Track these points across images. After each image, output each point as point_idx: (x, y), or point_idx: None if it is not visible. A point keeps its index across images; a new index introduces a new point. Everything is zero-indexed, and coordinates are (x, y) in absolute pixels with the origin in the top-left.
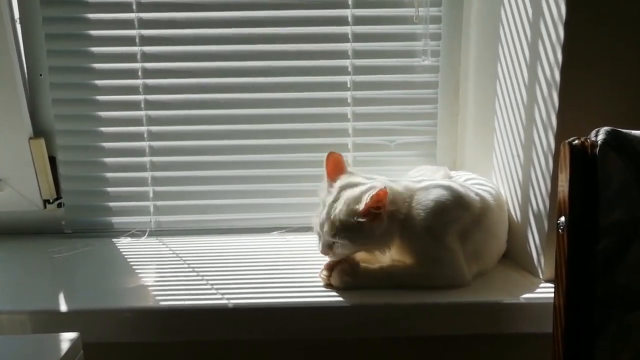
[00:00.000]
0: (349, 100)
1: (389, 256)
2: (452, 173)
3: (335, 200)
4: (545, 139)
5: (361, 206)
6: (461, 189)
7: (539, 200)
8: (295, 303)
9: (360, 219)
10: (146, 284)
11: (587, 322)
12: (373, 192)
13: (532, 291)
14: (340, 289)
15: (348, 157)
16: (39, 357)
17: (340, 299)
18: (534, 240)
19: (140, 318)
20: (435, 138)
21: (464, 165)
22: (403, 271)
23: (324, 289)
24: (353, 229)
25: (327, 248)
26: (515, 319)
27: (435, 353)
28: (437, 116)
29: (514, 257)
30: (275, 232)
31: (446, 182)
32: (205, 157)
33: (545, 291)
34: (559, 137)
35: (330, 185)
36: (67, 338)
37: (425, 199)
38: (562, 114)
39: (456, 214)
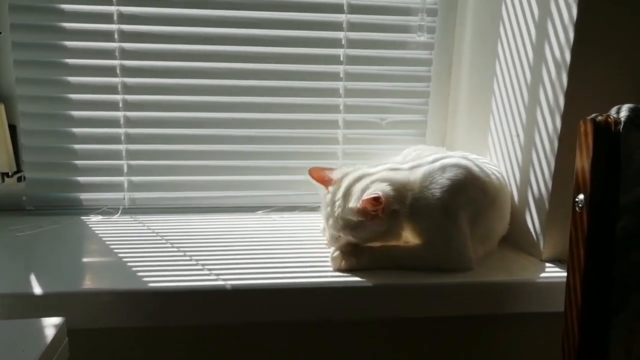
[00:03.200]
0: (341, 75)
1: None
2: (450, 153)
3: (341, 196)
4: (550, 120)
5: (358, 205)
6: (478, 170)
7: (541, 181)
8: (297, 284)
9: (360, 218)
10: (128, 264)
11: (603, 302)
12: (366, 196)
13: (533, 271)
14: (344, 270)
15: (338, 134)
16: (21, 344)
17: (340, 279)
18: (532, 221)
19: (125, 301)
20: (427, 117)
21: (454, 145)
22: (409, 252)
23: (320, 269)
24: (355, 227)
25: (334, 241)
26: (520, 299)
27: (438, 334)
28: (430, 95)
29: (512, 238)
30: (260, 212)
31: (462, 161)
32: (186, 130)
33: (547, 271)
34: (567, 118)
35: (327, 189)
36: (50, 323)
37: (441, 177)
38: (570, 94)
39: (472, 195)
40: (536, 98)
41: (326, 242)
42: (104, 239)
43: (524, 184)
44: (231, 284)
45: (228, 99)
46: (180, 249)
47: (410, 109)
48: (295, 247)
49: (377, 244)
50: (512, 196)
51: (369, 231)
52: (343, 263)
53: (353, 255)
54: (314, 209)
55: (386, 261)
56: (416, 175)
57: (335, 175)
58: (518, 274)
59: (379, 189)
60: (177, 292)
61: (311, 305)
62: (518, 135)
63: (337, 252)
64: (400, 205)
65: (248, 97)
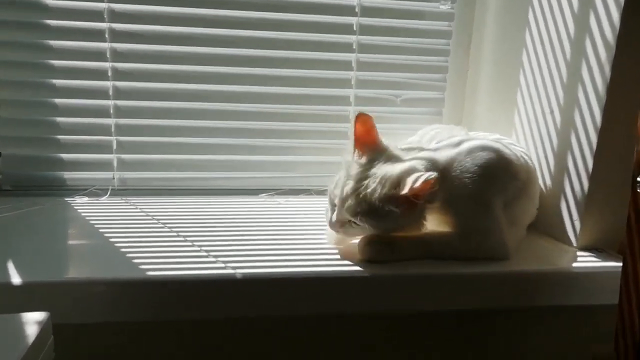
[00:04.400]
0: (354, 47)
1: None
2: (472, 134)
3: (366, 176)
4: (593, 92)
5: (402, 191)
6: (509, 152)
7: (579, 161)
8: (315, 273)
9: (394, 208)
10: (122, 249)
11: None
12: (421, 177)
13: (572, 260)
14: (366, 261)
15: (349, 111)
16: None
17: (360, 268)
18: (567, 206)
19: (120, 292)
20: (444, 94)
21: (474, 125)
22: (443, 242)
23: (334, 258)
24: (381, 215)
25: (339, 225)
26: (560, 289)
27: (472, 328)
28: (448, 70)
29: (542, 224)
30: (263, 195)
31: (492, 144)
32: (182, 103)
33: (587, 260)
34: (614, 88)
35: (360, 155)
36: (33, 319)
37: (472, 164)
38: (618, 65)
39: (505, 180)
40: (576, 70)
41: (326, 219)
42: (91, 222)
43: (559, 164)
44: (242, 273)
45: (229, 70)
46: (180, 233)
47: (426, 85)
48: (303, 234)
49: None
50: (543, 179)
51: (392, 222)
52: (375, 253)
53: (386, 244)
54: (321, 192)
55: (420, 251)
56: (442, 158)
57: (381, 144)
58: (555, 263)
59: (432, 175)
60: (183, 281)
61: (328, 297)
62: (552, 112)
63: (366, 241)
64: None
65: (251, 68)
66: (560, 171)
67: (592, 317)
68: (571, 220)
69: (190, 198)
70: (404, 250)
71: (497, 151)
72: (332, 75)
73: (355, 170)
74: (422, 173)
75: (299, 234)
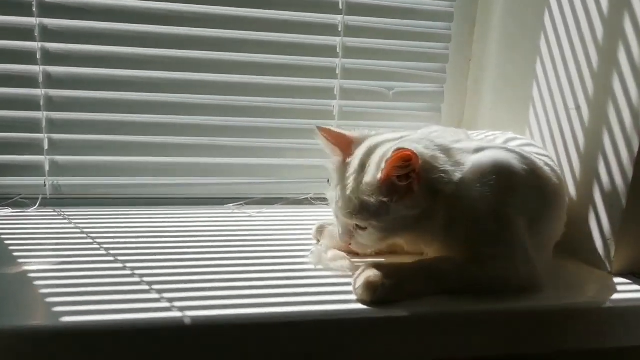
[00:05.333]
0: (339, 29)
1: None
2: (475, 134)
3: (356, 167)
4: (633, 82)
5: (378, 175)
6: (534, 159)
7: (615, 169)
8: (296, 315)
9: (382, 198)
10: (37, 283)
11: None
12: (391, 154)
13: (609, 290)
14: (368, 303)
15: (333, 106)
16: None
17: (360, 307)
18: (599, 223)
19: (29, 345)
20: (443, 87)
21: (477, 123)
22: (456, 270)
23: (328, 291)
24: (376, 210)
25: (347, 235)
26: (598, 328)
27: None
28: (449, 59)
29: (567, 245)
30: (231, 205)
31: (511, 147)
32: (129, 94)
33: (629, 289)
34: None
35: (339, 159)
36: None
37: (487, 170)
38: None
39: (529, 192)
40: (611, 54)
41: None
42: (7, 242)
43: (588, 171)
44: (193, 317)
45: (187, 54)
46: (118, 258)
47: (423, 77)
48: (282, 257)
49: (407, 260)
50: (567, 191)
51: (393, 219)
52: (375, 292)
53: (388, 280)
54: (299, 202)
55: (432, 285)
56: (454, 157)
57: (355, 137)
58: (591, 295)
59: (409, 147)
60: (107, 331)
61: (317, 346)
62: (579, 108)
63: (364, 278)
64: (445, 177)
65: (215, 52)
66: (589, 179)
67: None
68: (603, 240)
69: (137, 209)
70: (411, 285)
71: (518, 156)
72: (313, 62)
73: (340, 172)
74: (397, 150)
75: (275, 256)
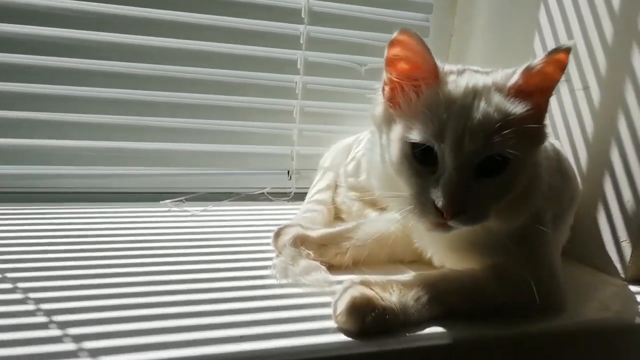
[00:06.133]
0: None
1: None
2: None
3: (460, 92)
4: None
5: (534, 65)
6: (559, 149)
7: (633, 158)
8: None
9: (526, 104)
10: None
11: None
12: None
13: (634, 302)
14: (353, 333)
15: (295, 82)
16: None
17: (347, 340)
18: (611, 221)
19: None
20: None
21: None
22: (468, 286)
23: (297, 316)
24: (514, 128)
25: (464, 188)
26: (630, 348)
27: None
28: (429, 33)
29: (573, 247)
30: (168, 201)
31: None
32: (36, 58)
33: None
34: None
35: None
36: None
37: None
38: None
39: (559, 186)
40: (629, 24)
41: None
42: None
43: (598, 163)
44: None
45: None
46: (7, 275)
47: None
48: (235, 273)
49: (408, 278)
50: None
51: (528, 142)
52: (370, 317)
53: (378, 299)
54: (254, 197)
55: (435, 307)
56: None
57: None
58: (615, 309)
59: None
60: None
61: None
62: (588, 88)
63: (349, 298)
64: None
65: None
66: (599, 172)
67: None
68: (616, 242)
69: (46, 207)
70: (412, 308)
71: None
72: (273, 28)
73: (438, 96)
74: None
75: (224, 268)
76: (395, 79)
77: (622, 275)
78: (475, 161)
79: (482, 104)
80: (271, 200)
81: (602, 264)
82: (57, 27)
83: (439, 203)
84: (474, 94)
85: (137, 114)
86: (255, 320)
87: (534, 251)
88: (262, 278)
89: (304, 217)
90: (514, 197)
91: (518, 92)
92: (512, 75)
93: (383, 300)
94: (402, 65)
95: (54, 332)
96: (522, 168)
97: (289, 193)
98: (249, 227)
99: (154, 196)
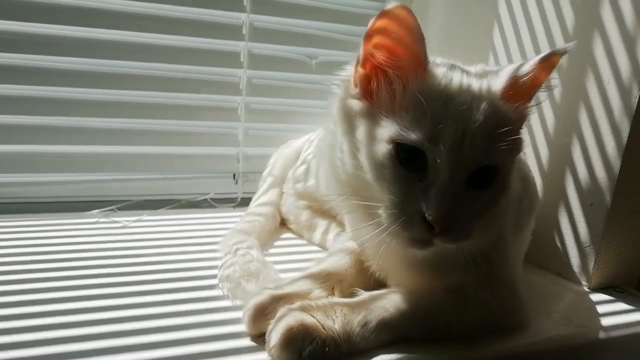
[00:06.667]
0: None
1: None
2: None
3: (454, 86)
4: (623, 47)
5: (526, 67)
6: None
7: (597, 159)
8: None
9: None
10: None
11: None
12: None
13: (596, 313)
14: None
15: (240, 76)
16: None
17: None
18: (574, 228)
19: None
20: None
21: None
22: (422, 307)
23: (243, 344)
24: (512, 121)
25: (459, 200)
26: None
27: None
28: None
29: (534, 253)
30: (96, 211)
31: None
32: None
33: (614, 310)
34: None
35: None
36: None
37: None
38: None
39: (518, 195)
40: (593, 14)
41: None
42: None
43: (559, 164)
44: None
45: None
46: None
47: (353, 43)
48: (172, 289)
49: (353, 302)
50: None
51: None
52: (309, 349)
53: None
54: (195, 204)
55: (384, 333)
56: None
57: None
58: (581, 322)
59: None
60: None
61: None
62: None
63: (283, 328)
64: None
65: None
66: (560, 172)
67: None
68: (579, 248)
69: None
70: (359, 337)
71: None
72: (215, 18)
73: (429, 92)
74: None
75: (161, 289)
76: (377, 62)
77: (585, 283)
78: (472, 170)
79: (484, 106)
80: (215, 206)
81: (565, 270)
82: None
83: (430, 216)
84: (471, 94)
85: (61, 114)
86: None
87: (495, 269)
88: (202, 300)
89: (246, 221)
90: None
91: (509, 97)
92: (501, 76)
93: (324, 329)
94: (391, 47)
95: None
96: (508, 180)
97: (236, 199)
98: (190, 239)
99: (81, 205)
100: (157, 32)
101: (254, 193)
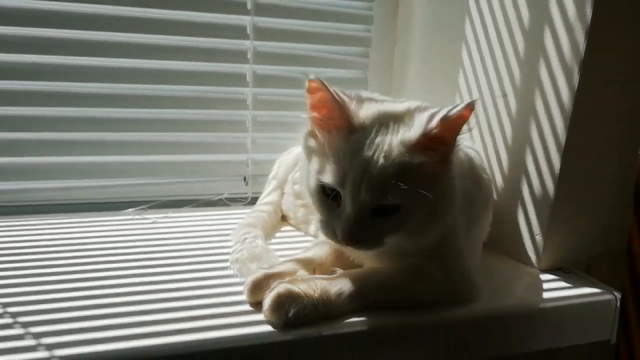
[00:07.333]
0: (249, 7)
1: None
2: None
3: (368, 139)
4: (560, 69)
5: (430, 124)
6: (472, 155)
7: (543, 160)
8: (199, 344)
9: (425, 157)
10: None
11: None
12: (463, 107)
13: (540, 289)
14: (279, 326)
15: (246, 94)
16: None
17: (270, 331)
18: (527, 219)
19: None
20: (366, 73)
21: None
22: (385, 283)
23: (245, 309)
24: (416, 174)
25: (359, 227)
26: (535, 330)
27: None
28: (371, 42)
29: (497, 242)
30: (131, 210)
31: None
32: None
33: (556, 286)
34: (588, 68)
35: (338, 130)
36: None
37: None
38: (595, 27)
39: (471, 192)
40: (537, 39)
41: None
42: None
43: (515, 163)
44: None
45: (84, 35)
46: None
47: (344, 61)
48: (193, 270)
49: (330, 277)
50: (494, 181)
51: (431, 186)
52: (293, 311)
53: (301, 296)
54: (212, 203)
55: (354, 302)
56: None
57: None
58: (531, 296)
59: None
60: None
61: None
62: (505, 95)
63: (274, 295)
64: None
65: (109, 32)
66: (517, 172)
67: None
68: (531, 236)
69: (10, 220)
70: (333, 303)
71: (461, 153)
72: (223, 45)
73: (346, 143)
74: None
75: (185, 270)
76: (313, 115)
77: (537, 266)
78: (372, 207)
79: (381, 160)
80: (229, 205)
81: (520, 255)
82: None
83: (337, 237)
84: (376, 147)
85: (99, 130)
86: (206, 314)
87: (446, 254)
88: (218, 278)
89: (253, 216)
90: (425, 217)
91: (419, 146)
92: (413, 128)
93: (306, 296)
94: (317, 107)
95: (17, 330)
96: (418, 206)
97: (246, 198)
98: (208, 231)
99: (118, 205)
100: (178, 59)
101: (261, 193)
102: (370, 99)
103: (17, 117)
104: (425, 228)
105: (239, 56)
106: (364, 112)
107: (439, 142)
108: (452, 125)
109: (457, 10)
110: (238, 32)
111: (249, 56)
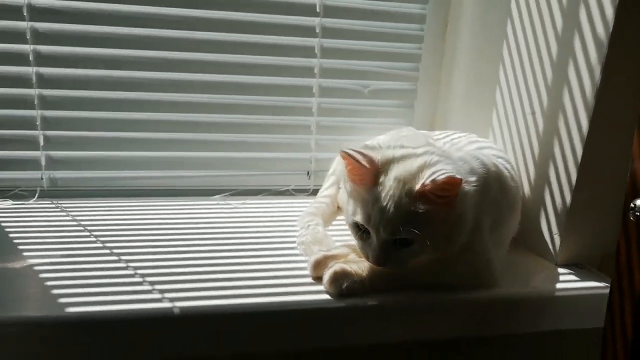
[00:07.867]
0: (317, 30)
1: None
2: (441, 136)
3: (393, 186)
4: (580, 98)
5: (418, 184)
6: (499, 164)
7: (562, 172)
8: (272, 305)
9: (424, 206)
10: (41, 275)
11: None
12: (438, 175)
13: (555, 280)
14: (334, 295)
15: (312, 103)
16: None
17: (330, 298)
18: (547, 219)
19: (33, 336)
20: (416, 85)
21: (448, 121)
22: (420, 269)
23: (308, 281)
24: (420, 218)
25: (384, 254)
26: (545, 314)
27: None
28: (421, 59)
29: (522, 239)
30: (217, 196)
31: (480, 154)
32: (116, 92)
33: (569, 279)
34: (602, 95)
35: (366, 184)
36: None
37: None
38: (610, 68)
39: (495, 196)
40: (563, 70)
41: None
42: (11, 234)
43: (540, 173)
44: (181, 307)
45: (172, 54)
46: (114, 251)
47: (397, 75)
48: (266, 248)
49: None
50: (522, 188)
51: (434, 227)
52: (346, 285)
53: (355, 277)
54: (281, 193)
55: (394, 282)
56: (455, 155)
57: (377, 157)
58: (535, 286)
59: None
60: (104, 320)
61: (294, 331)
62: (534, 113)
63: (331, 272)
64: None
65: (201, 53)
66: (541, 180)
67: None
68: (550, 235)
69: (129, 201)
70: (376, 282)
71: (487, 164)
72: (294, 62)
73: (370, 194)
74: (442, 172)
75: (259, 247)
76: (347, 171)
77: (555, 261)
78: (391, 240)
79: (392, 209)
80: (294, 195)
81: (541, 251)
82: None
83: (370, 260)
84: (390, 199)
85: (197, 131)
86: (276, 283)
87: (470, 249)
88: (286, 255)
89: (314, 206)
90: (439, 241)
91: (421, 198)
92: (419, 181)
93: (356, 274)
94: (350, 168)
95: (146, 287)
96: (429, 238)
97: (308, 189)
98: (278, 217)
99: (208, 192)
100: (258, 74)
101: (321, 186)
102: (399, 147)
103: (140, 121)
104: (441, 248)
105: (307, 72)
106: (384, 170)
107: (438, 194)
108: (442, 185)
109: (495, 35)
110: (306, 52)
111: (315, 71)
